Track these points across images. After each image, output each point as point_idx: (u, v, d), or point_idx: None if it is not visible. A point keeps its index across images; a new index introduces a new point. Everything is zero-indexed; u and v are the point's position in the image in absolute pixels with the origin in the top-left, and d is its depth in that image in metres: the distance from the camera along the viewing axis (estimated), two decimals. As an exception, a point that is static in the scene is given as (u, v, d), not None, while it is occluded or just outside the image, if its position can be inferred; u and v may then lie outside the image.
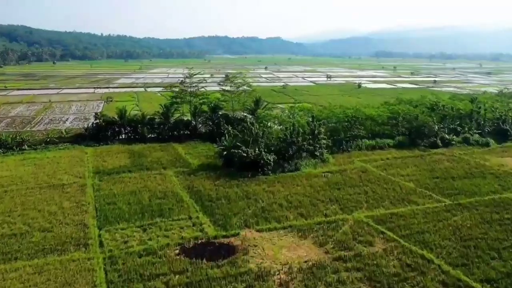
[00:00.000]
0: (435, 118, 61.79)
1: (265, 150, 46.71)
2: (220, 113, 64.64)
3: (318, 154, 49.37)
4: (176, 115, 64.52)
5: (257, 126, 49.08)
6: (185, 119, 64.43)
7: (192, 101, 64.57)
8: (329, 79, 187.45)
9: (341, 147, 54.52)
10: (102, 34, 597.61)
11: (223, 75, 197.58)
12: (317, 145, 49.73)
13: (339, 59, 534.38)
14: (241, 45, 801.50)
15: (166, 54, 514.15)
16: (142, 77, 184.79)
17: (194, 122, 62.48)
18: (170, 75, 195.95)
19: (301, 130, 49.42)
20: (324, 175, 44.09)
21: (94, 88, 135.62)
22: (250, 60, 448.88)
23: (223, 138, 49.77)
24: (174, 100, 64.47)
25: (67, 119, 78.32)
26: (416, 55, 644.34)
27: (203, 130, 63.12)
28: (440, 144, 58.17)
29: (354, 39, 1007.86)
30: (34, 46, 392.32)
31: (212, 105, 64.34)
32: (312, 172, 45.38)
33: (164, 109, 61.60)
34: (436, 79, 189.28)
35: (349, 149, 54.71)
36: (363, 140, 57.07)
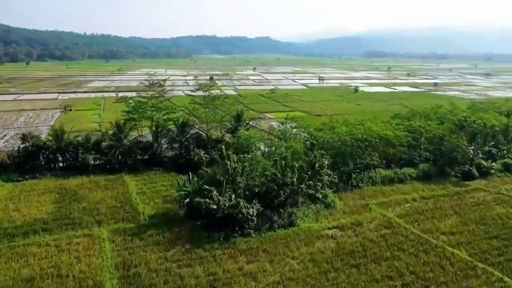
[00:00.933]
0: (464, 138, 48.21)
1: (246, 192, 32.74)
2: (190, 132, 50.22)
3: (321, 196, 35.39)
4: (134, 135, 49.95)
5: (235, 159, 34.89)
6: (145, 140, 49.85)
7: (154, 116, 49.85)
8: (321, 81, 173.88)
9: (349, 182, 40.54)
10: (85, 33, 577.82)
11: (208, 77, 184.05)
12: (318, 183, 35.76)
13: (330, 59, 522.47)
14: (229, 44, 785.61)
15: (152, 54, 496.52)
16: (119, 80, 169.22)
17: (155, 145, 47.85)
18: (150, 77, 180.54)
19: (296, 164, 35.23)
20: (332, 237, 30.08)
21: (59, 93, 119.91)
22: (238, 60, 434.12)
23: (185, 179, 35.28)
24: (131, 115, 49.51)
25: (5, 135, 63.14)
26: (407, 55, 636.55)
27: (169, 154, 48.57)
28: (476, 173, 44.63)
29: (344, 39, 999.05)
30: (11, 46, 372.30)
31: (180, 122, 49.80)
32: (313, 228, 31.35)
33: (116, 129, 46.94)
34: (436, 81, 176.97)
35: (359, 184, 40.77)
36: (377, 170, 43.19)
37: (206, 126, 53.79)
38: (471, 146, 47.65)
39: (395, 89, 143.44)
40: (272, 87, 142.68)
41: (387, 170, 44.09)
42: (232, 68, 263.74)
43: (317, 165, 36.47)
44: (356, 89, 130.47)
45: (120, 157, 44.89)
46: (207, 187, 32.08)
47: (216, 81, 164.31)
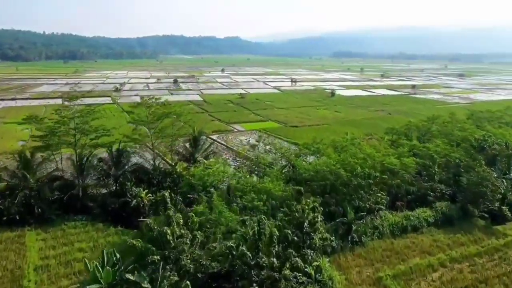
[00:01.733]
0: (483, 162, 37.58)
1: (199, 275, 20.57)
2: (129, 162, 37.26)
3: (313, 271, 23.44)
4: (51, 168, 36.51)
5: (180, 220, 22.55)
6: (64, 175, 36.50)
7: (78, 142, 36.43)
8: (294, 83, 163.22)
9: (349, 237, 28.85)
10: (44, 32, 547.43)
11: (173, 79, 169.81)
12: (308, 250, 23.92)
13: (300, 59, 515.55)
14: (198, 44, 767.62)
15: (116, 54, 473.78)
16: (72, 83, 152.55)
17: (79, 181, 34.60)
18: (108, 80, 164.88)
19: (275, 232, 23.07)
20: None
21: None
22: (206, 60, 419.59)
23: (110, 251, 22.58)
24: (45, 141, 35.83)
25: None
26: (376, 55, 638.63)
27: (98, 195, 35.44)
28: (509, 213, 34.09)
29: (313, 39, 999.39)
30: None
31: (114, 149, 36.72)
32: None
33: (20, 162, 33.46)
34: (413, 83, 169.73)
35: (362, 239, 29.18)
36: (382, 215, 31.73)
37: (153, 152, 41.03)
38: (491, 169, 37.19)
39: (373, 92, 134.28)
40: (241, 91, 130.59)
41: (394, 212, 32.77)
42: (199, 70, 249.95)
43: (306, 223, 24.58)
44: (332, 93, 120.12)
45: (24, 202, 31.58)
46: (131, 277, 19.53)
47: (181, 84, 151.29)
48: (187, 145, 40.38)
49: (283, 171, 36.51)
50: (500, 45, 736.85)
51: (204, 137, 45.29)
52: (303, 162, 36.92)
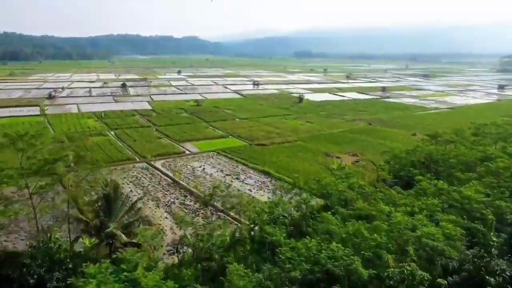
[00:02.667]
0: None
1: None
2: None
3: None
4: None
5: None
6: None
7: None
8: (256, 86, 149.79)
9: None
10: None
11: (121, 83, 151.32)
12: None
13: (261, 59, 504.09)
14: (155, 44, 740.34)
15: (64, 55, 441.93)
16: (1, 88, 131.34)
17: None
18: (46, 84, 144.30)
19: None
20: None
21: None
22: (163, 61, 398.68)
23: None
24: None
25: None
26: (336, 55, 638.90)
27: None
28: None
29: (273, 39, 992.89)
30: None
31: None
32: None
33: None
34: (380, 84, 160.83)
35: None
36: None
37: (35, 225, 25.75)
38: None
39: (343, 96, 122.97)
40: (198, 96, 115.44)
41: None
42: (153, 71, 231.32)
43: None
44: (300, 98, 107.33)
45: None
46: None
47: (129, 89, 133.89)
48: (97, 206, 25.07)
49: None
50: (454, 46, 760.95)
51: (126, 192, 30.22)
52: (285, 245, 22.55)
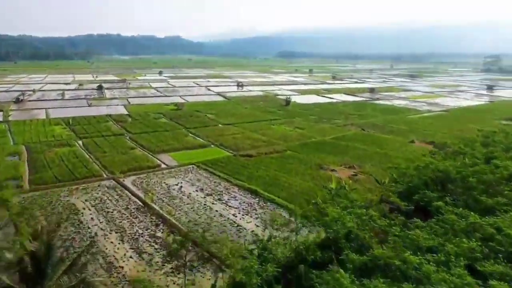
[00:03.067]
0: None
1: None
2: None
3: None
4: None
5: None
6: None
7: None
8: (240, 88, 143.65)
9: None
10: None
11: (97, 85, 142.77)
12: None
13: (245, 59, 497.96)
14: (136, 44, 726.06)
15: (42, 55, 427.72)
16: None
17: None
18: (16, 86, 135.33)
19: None
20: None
21: None
22: (144, 61, 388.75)
23: None
24: None
25: None
26: (320, 55, 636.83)
27: None
28: None
29: (256, 38, 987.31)
30: None
31: None
32: None
33: None
34: (368, 85, 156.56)
35: None
36: None
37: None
38: None
39: (331, 98, 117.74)
40: (179, 99, 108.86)
41: None
42: (134, 72, 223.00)
43: None
44: (287, 101, 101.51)
45: None
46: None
47: (106, 91, 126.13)
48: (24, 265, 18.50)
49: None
50: (433, 46, 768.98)
51: (86, 221, 23.85)
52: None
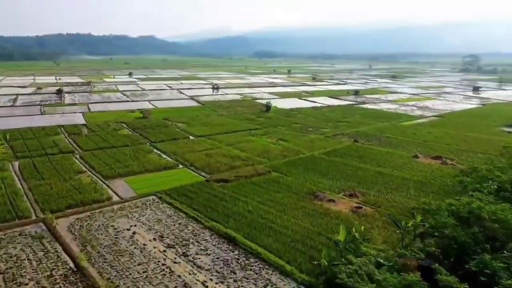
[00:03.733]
0: None
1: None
2: None
3: None
4: None
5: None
6: None
7: None
8: (216, 91, 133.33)
9: None
10: None
11: (57, 89, 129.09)
12: None
13: (221, 60, 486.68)
14: (108, 44, 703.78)
15: (6, 55, 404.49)
16: None
17: None
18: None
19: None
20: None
21: None
22: (115, 62, 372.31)
23: None
24: None
25: None
26: (296, 55, 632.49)
27: None
28: None
29: (231, 38, 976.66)
30: None
31: None
32: None
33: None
34: (351, 87, 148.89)
35: None
36: None
37: None
38: None
39: (315, 102, 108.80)
40: (147, 104, 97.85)
41: None
42: (102, 73, 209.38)
43: None
44: (268, 106, 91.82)
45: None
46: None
47: (66, 95, 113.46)
48: None
49: None
50: (405, 46, 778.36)
51: None
52: None
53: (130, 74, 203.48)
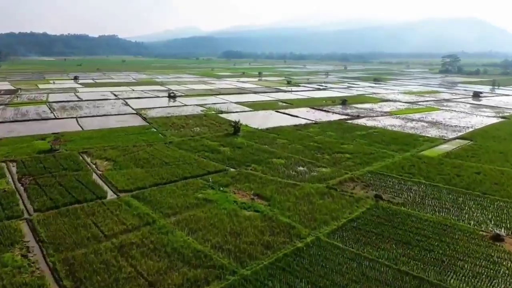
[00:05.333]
0: None
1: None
2: None
3: None
4: None
5: None
6: None
7: None
8: (172, 100, 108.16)
9: None
10: None
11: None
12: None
13: (186, 60, 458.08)
14: (65, 44, 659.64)
15: None
16: None
17: None
18: None
19: None
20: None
21: None
22: (68, 63, 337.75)
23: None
24: None
25: None
26: (264, 55, 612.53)
27: None
28: None
29: (198, 38, 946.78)
30: None
31: None
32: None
33: None
34: (332, 93, 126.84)
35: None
36: None
37: None
38: None
39: (296, 116, 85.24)
40: (72, 124, 71.36)
41: None
42: (43, 78, 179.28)
43: None
44: (236, 127, 66.87)
45: None
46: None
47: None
48: None
49: None
50: (370, 45, 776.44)
51: None
52: None
53: (75, 79, 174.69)
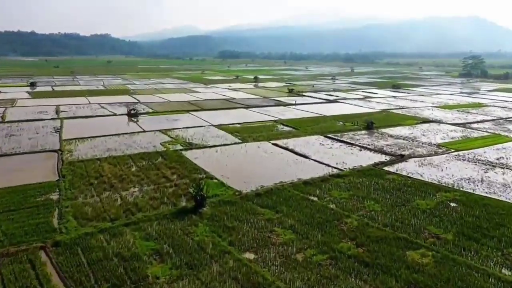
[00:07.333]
0: None
1: None
2: None
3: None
4: None
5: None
6: None
7: None
8: (134, 119, 78.32)
9: None
10: None
11: None
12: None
13: (179, 61, 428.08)
14: (55, 43, 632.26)
15: None
16: None
17: None
18: None
19: None
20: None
21: None
22: (46, 65, 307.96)
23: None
24: None
25: None
26: (262, 55, 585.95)
27: None
28: None
29: (195, 38, 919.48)
30: None
31: None
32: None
33: None
34: (345, 104, 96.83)
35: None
36: None
37: None
38: None
39: (307, 158, 54.95)
40: None
41: None
42: (3, 82, 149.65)
43: None
44: (199, 198, 36.55)
45: None
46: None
47: None
48: None
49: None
50: (373, 44, 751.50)
51: None
52: None
53: (31, 85, 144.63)
